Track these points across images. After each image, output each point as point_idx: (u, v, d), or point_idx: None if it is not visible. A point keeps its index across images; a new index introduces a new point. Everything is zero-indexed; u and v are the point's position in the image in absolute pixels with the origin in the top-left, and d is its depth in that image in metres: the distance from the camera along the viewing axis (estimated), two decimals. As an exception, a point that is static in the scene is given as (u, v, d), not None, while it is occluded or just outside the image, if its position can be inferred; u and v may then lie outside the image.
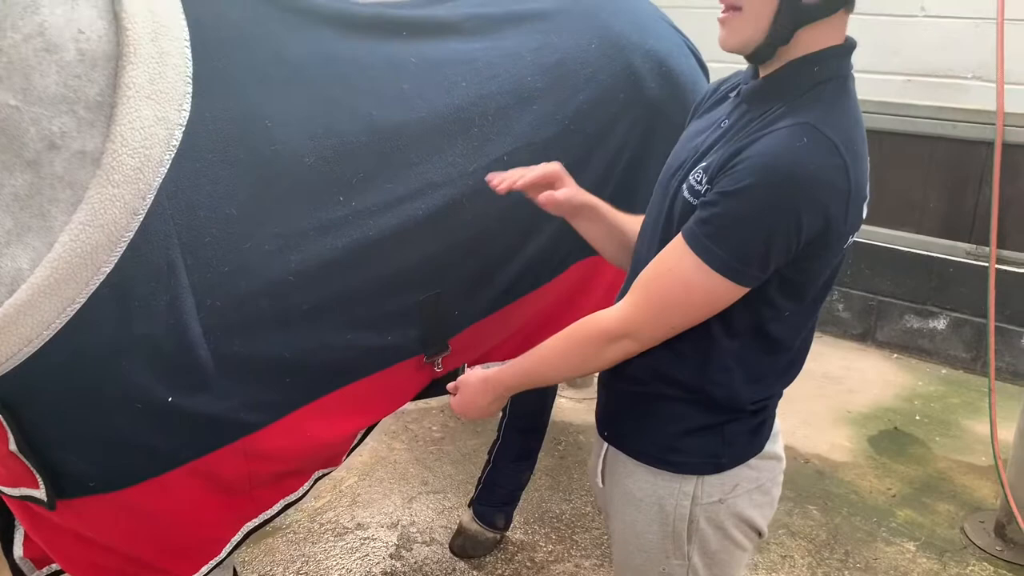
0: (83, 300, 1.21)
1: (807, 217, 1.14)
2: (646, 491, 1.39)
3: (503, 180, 1.48)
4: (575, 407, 3.50)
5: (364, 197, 1.50)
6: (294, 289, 1.42)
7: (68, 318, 1.21)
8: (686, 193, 1.26)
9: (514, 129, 1.71)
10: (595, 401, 1.52)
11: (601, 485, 1.49)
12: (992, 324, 3.06)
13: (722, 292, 1.21)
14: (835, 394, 3.61)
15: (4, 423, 1.27)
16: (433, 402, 3.35)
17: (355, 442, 1.70)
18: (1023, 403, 2.69)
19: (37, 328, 1.20)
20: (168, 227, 1.27)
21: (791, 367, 1.38)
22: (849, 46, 1.25)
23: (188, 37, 1.33)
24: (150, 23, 1.28)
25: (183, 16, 1.34)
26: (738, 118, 1.27)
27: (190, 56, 1.32)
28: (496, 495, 2.57)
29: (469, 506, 2.62)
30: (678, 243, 1.23)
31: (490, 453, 2.57)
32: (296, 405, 1.50)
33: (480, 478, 2.60)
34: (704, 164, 1.25)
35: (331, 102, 1.49)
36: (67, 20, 1.22)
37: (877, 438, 3.30)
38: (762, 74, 1.27)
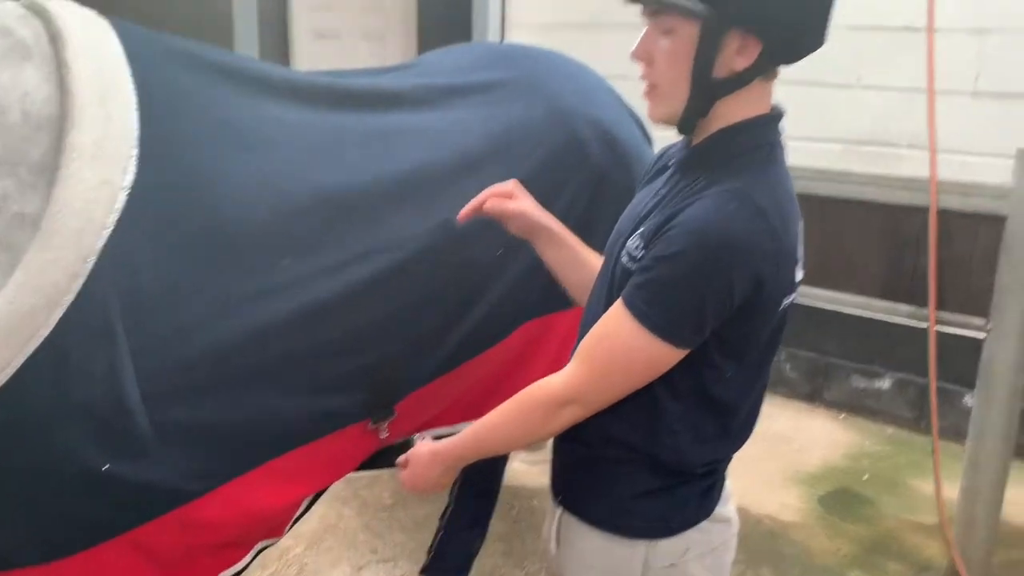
0: (19, 363, 1.19)
1: (738, 280, 1.18)
2: (599, 556, 1.39)
3: (463, 213, 1.51)
4: (529, 471, 3.47)
5: (311, 261, 1.50)
6: (237, 353, 1.41)
7: (3, 382, 1.18)
8: (625, 259, 1.30)
9: (462, 194, 1.73)
10: (549, 465, 1.52)
11: (555, 551, 1.47)
12: (934, 384, 3.12)
13: (661, 355, 1.24)
14: (785, 454, 3.64)
15: None
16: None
17: (300, 511, 1.66)
18: (965, 462, 2.74)
19: None
20: (109, 290, 1.26)
21: (741, 431, 1.40)
22: (775, 115, 1.30)
23: (136, 101, 1.34)
24: (97, 86, 1.29)
25: (131, 80, 1.35)
26: (672, 186, 1.32)
27: (137, 119, 1.33)
28: (448, 563, 2.52)
29: (421, 574, 2.57)
30: (618, 308, 1.26)
31: (442, 520, 2.53)
32: (237, 473, 1.47)
33: (432, 546, 2.55)
34: (641, 230, 1.28)
35: (278, 168, 1.51)
36: (13, 82, 1.23)
37: (827, 498, 3.32)
38: (693, 143, 1.32)
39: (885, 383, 3.99)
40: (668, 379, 1.28)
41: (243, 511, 1.49)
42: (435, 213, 1.69)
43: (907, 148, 3.77)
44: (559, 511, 1.45)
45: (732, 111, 1.26)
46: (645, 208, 1.34)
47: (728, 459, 1.43)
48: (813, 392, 4.17)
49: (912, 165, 3.69)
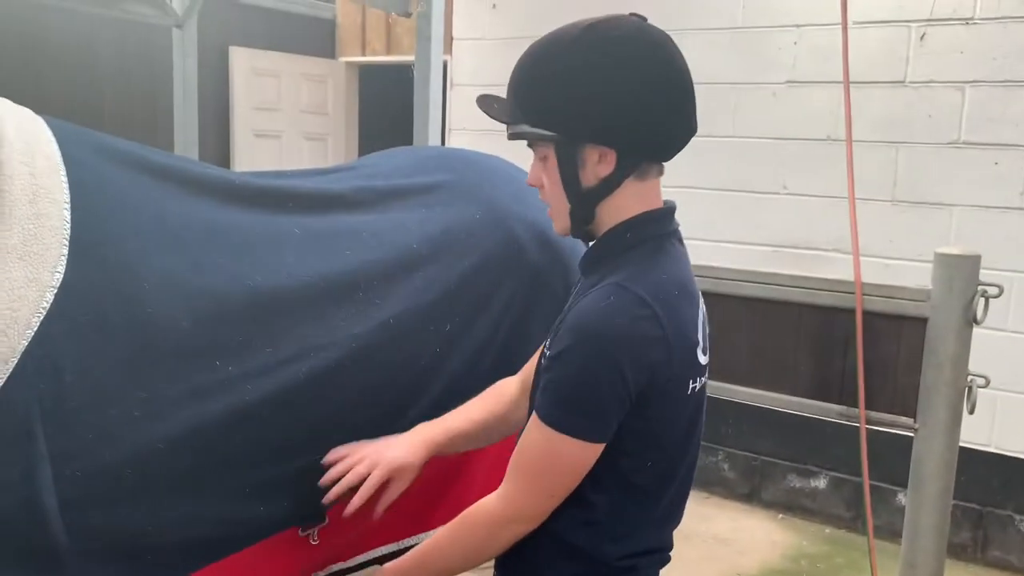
0: None
1: (629, 367, 1.23)
2: None
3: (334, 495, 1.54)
4: (466, 577, 3.37)
5: (243, 361, 1.46)
6: (163, 457, 1.35)
7: None
8: (543, 362, 1.35)
9: (400, 293, 1.74)
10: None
11: None
12: (867, 484, 3.16)
13: (577, 453, 1.27)
14: (725, 556, 3.61)
15: None
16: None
17: None
18: (901, 561, 2.75)
19: None
20: (30, 393, 1.21)
21: (666, 520, 1.41)
22: (666, 209, 1.39)
23: (69, 200, 1.32)
24: (29, 185, 1.27)
25: (65, 179, 1.33)
26: (578, 289, 1.40)
27: (69, 218, 1.30)
28: None
29: None
30: (533, 417, 1.32)
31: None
32: None
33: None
34: (553, 335, 1.35)
35: (211, 267, 1.49)
36: None
37: (767, 601, 3.30)
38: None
39: (821, 482, 4.02)
40: (592, 474, 1.30)
41: None
42: (374, 312, 1.68)
43: (832, 252, 3.93)
44: None
45: (616, 212, 1.34)
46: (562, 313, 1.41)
47: (655, 551, 1.42)
48: (751, 492, 4.18)
49: (838, 267, 3.84)
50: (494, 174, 2.14)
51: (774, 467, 4.14)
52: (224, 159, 5.43)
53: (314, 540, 1.62)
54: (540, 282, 1.97)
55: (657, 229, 1.36)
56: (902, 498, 3.72)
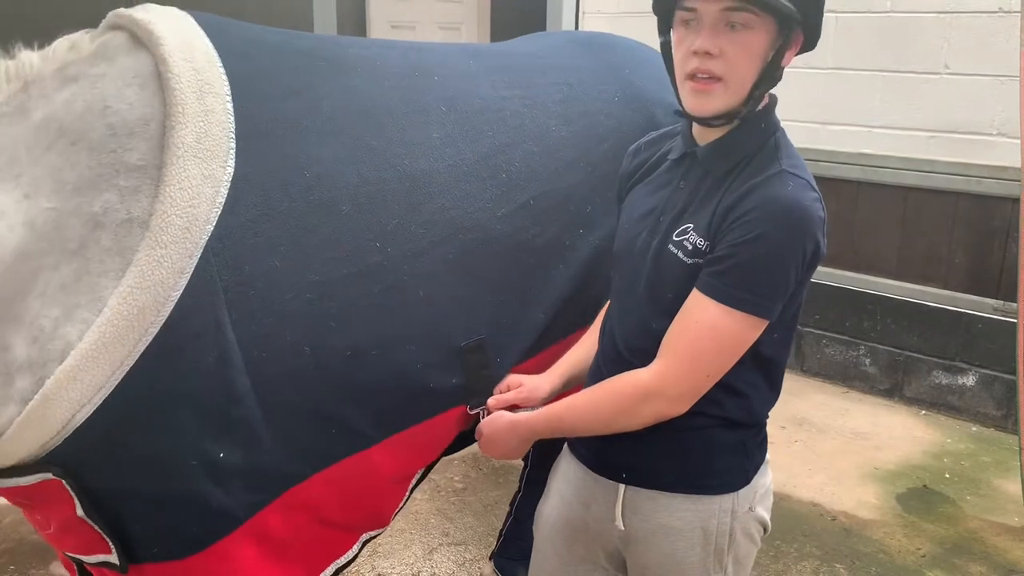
0: (132, 362, 1.22)
1: (809, 246, 1.32)
2: (686, 519, 1.45)
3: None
4: (598, 460, 3.48)
5: (399, 243, 1.51)
6: (335, 336, 1.42)
7: (118, 380, 1.22)
8: (679, 254, 1.38)
9: (540, 176, 1.75)
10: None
11: (623, 527, 1.49)
12: (1021, 381, 3.01)
13: (749, 330, 1.33)
14: (862, 451, 3.56)
15: (69, 489, 1.26)
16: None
17: (404, 499, 1.70)
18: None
19: (88, 392, 1.20)
20: (214, 284, 1.28)
21: (781, 384, 1.51)
22: (775, 101, 1.43)
23: (229, 92, 1.35)
24: (195, 81, 1.31)
25: (223, 71, 1.36)
26: (701, 177, 1.40)
27: (232, 111, 1.34)
28: (517, 548, 2.54)
29: (490, 559, 2.60)
30: (697, 298, 1.34)
31: (512, 505, 2.56)
32: (341, 456, 1.49)
33: (501, 530, 2.58)
34: (689, 225, 1.37)
35: (364, 151, 1.52)
36: (86, 105, 1.25)
37: (905, 496, 3.24)
38: (712, 135, 1.39)
39: (969, 379, 3.86)
40: None
41: (349, 492, 1.52)
42: (516, 195, 1.70)
43: (997, 136, 3.64)
44: (622, 488, 1.48)
45: (764, 98, 1.38)
46: (673, 203, 1.42)
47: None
48: (892, 388, 4.07)
49: (1003, 153, 3.56)
50: (634, 57, 2.09)
51: (919, 363, 3.99)
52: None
53: (485, 415, 1.71)
54: None
55: (776, 119, 1.41)
56: (1059, 398, 3.52)
